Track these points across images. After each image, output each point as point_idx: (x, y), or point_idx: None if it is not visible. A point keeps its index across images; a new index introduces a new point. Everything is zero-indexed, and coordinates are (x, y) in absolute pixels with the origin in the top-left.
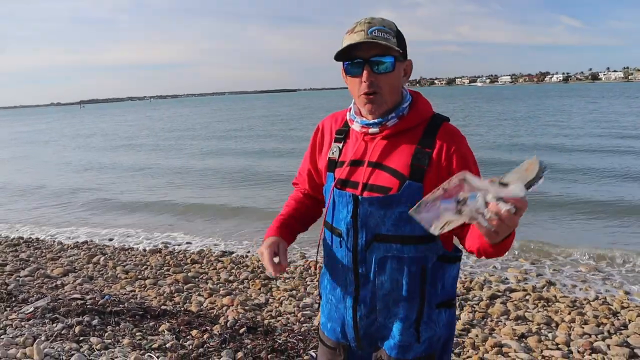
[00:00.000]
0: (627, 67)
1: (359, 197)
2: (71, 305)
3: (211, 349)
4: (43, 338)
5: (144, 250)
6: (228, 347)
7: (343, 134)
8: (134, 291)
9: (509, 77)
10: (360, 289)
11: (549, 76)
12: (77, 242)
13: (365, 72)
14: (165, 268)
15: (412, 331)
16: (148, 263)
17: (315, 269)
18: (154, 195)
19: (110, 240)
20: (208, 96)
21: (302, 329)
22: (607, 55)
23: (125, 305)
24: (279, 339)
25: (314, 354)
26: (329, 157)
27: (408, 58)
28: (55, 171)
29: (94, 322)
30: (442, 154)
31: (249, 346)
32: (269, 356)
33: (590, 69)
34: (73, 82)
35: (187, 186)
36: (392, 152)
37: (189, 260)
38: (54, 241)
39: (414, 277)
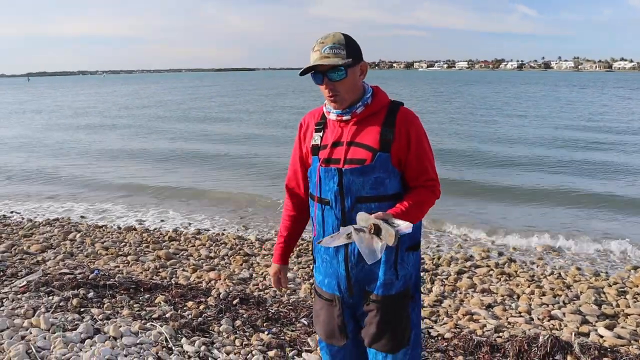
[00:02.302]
0: (577, 57)
1: (342, 169)
2: (63, 279)
3: (210, 318)
4: (43, 310)
5: (119, 227)
6: (225, 317)
7: (321, 125)
8: (119, 267)
9: (466, 62)
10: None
11: (504, 63)
12: (49, 219)
13: (324, 82)
14: (144, 245)
15: (392, 271)
16: (126, 240)
17: None
18: (126, 178)
19: (83, 217)
20: (164, 73)
21: (291, 300)
22: (559, 45)
23: (116, 279)
24: (271, 309)
25: (305, 322)
26: (312, 144)
27: (363, 60)
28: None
29: (90, 295)
30: (402, 129)
31: (244, 315)
32: (264, 324)
33: (543, 58)
34: (19, 53)
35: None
36: (363, 132)
37: (166, 238)
38: (23, 218)
39: None
